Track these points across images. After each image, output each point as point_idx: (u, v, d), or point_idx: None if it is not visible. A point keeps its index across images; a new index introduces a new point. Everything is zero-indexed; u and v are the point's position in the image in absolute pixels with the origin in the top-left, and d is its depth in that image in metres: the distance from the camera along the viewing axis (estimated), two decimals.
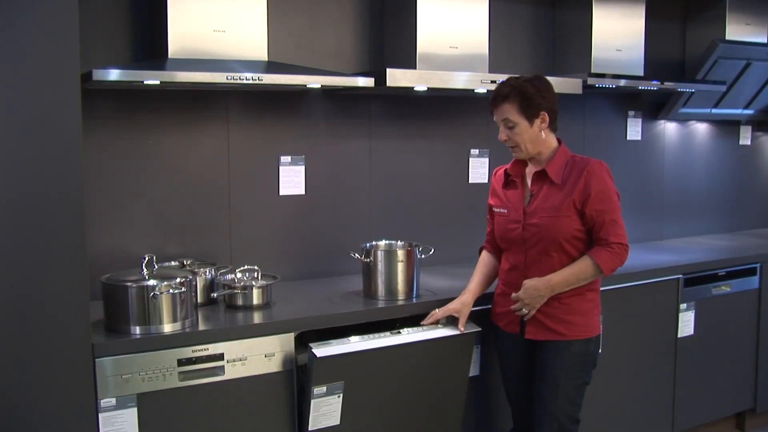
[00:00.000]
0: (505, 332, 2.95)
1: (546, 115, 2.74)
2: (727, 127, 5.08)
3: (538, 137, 2.76)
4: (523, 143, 2.75)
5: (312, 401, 2.68)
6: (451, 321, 2.95)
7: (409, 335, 2.85)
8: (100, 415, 2.43)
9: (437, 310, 2.95)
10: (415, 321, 2.98)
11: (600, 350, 2.92)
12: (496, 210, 2.95)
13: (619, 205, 2.78)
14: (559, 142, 2.84)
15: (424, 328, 2.92)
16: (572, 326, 2.79)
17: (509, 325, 2.91)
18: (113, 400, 2.45)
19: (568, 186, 2.74)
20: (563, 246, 2.74)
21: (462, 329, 2.90)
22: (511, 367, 3.01)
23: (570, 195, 2.72)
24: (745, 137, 5.19)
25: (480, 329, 2.98)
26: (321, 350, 2.66)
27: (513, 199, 2.88)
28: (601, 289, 2.94)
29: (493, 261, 3.04)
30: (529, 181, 2.85)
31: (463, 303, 2.94)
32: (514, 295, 2.80)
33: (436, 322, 2.94)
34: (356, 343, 2.76)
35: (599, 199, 2.70)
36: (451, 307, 2.93)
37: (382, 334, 2.82)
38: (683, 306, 3.89)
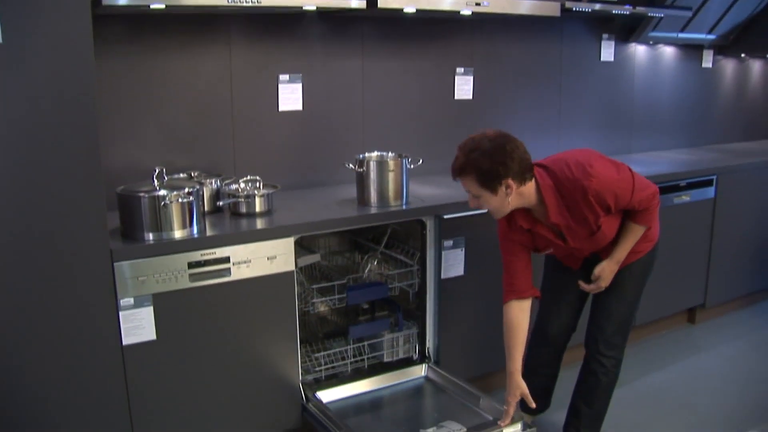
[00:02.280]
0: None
1: (510, 181, 2.39)
2: (692, 50, 5.00)
3: (506, 203, 2.45)
4: (493, 210, 2.51)
5: None
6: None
7: None
8: (120, 313, 2.44)
9: (508, 407, 2.67)
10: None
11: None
12: (540, 251, 2.75)
13: (629, 175, 2.54)
14: (536, 179, 2.49)
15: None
16: (640, 246, 2.72)
17: (570, 261, 2.82)
18: (131, 300, 2.46)
19: (587, 214, 2.50)
20: (612, 236, 2.64)
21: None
22: (566, 289, 2.89)
23: (596, 215, 2.50)
24: (708, 60, 5.12)
25: None
26: None
27: (548, 242, 2.65)
28: None
29: (524, 311, 2.68)
30: (546, 223, 2.59)
31: (522, 391, 2.65)
32: (590, 287, 2.74)
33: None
34: None
35: (618, 200, 2.50)
36: (513, 401, 2.67)
37: None
38: None
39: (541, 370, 3.04)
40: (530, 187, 2.48)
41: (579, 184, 2.45)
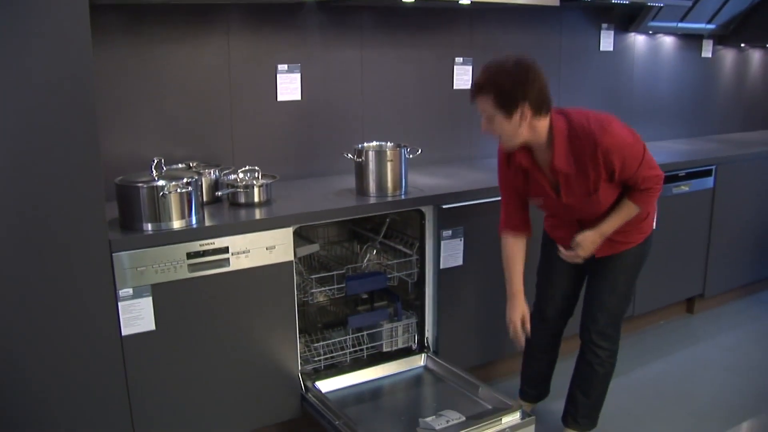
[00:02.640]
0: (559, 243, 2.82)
1: (527, 107, 2.35)
2: (691, 40, 4.99)
3: (519, 131, 2.41)
4: (504, 135, 2.44)
5: None
6: None
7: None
8: (120, 304, 2.45)
9: (514, 328, 2.75)
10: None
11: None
12: (531, 200, 2.70)
13: (642, 148, 2.48)
14: (550, 119, 2.45)
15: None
16: (635, 233, 2.71)
17: (562, 240, 2.78)
18: (130, 290, 2.46)
19: (590, 170, 2.46)
20: (607, 207, 2.59)
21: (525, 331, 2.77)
22: (558, 271, 2.88)
23: (597, 177, 2.46)
24: (707, 50, 5.11)
25: None
26: None
27: (540, 191, 2.62)
28: None
29: (519, 245, 2.75)
30: (546, 169, 2.56)
31: (521, 310, 2.75)
32: (568, 254, 2.67)
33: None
34: None
35: (624, 167, 2.45)
36: (516, 319, 2.75)
37: None
38: None
39: (538, 354, 3.06)
40: (544, 124, 2.44)
41: (592, 137, 2.41)
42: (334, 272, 3.06)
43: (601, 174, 2.46)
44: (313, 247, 3.08)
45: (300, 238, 3.04)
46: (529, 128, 2.42)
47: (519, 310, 2.75)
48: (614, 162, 2.43)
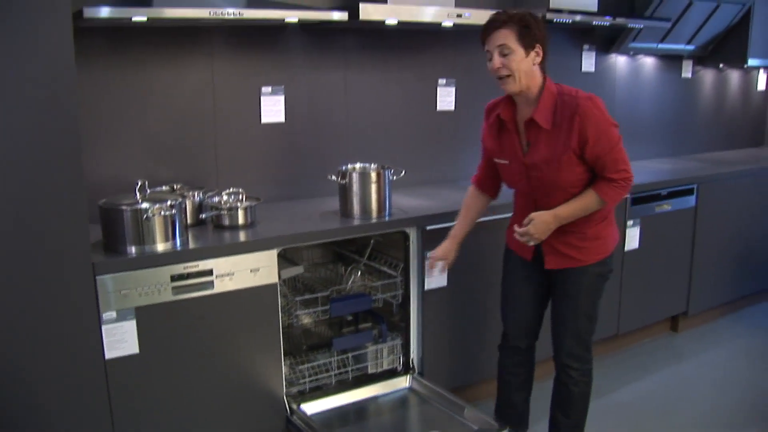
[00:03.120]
0: (517, 255, 2.83)
1: (540, 49, 2.49)
2: (671, 61, 5.06)
3: (531, 70, 2.49)
4: (518, 72, 2.48)
5: None
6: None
7: None
8: (103, 327, 2.44)
9: (431, 257, 2.87)
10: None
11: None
12: (497, 161, 2.72)
13: (618, 136, 2.52)
14: (545, 78, 2.57)
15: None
16: (590, 251, 2.66)
17: (521, 250, 2.77)
18: (114, 314, 2.45)
19: (563, 132, 2.49)
20: (571, 189, 2.56)
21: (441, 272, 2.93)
22: (517, 289, 2.87)
23: (567, 143, 2.48)
24: (687, 71, 5.19)
25: None
26: None
27: (510, 148, 2.65)
28: None
29: (481, 199, 2.88)
30: (521, 126, 2.62)
31: (446, 250, 2.85)
32: (519, 230, 2.60)
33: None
34: None
35: (598, 142, 2.46)
36: (437, 255, 2.85)
37: None
38: (630, 222, 3.94)
39: (506, 377, 3.00)
40: (540, 75, 2.55)
41: (576, 101, 2.49)
42: (319, 294, 3.07)
43: (572, 141, 2.48)
44: (298, 269, 3.08)
45: (284, 260, 3.04)
46: (534, 73, 2.52)
47: (443, 249, 2.86)
48: (588, 131, 2.45)
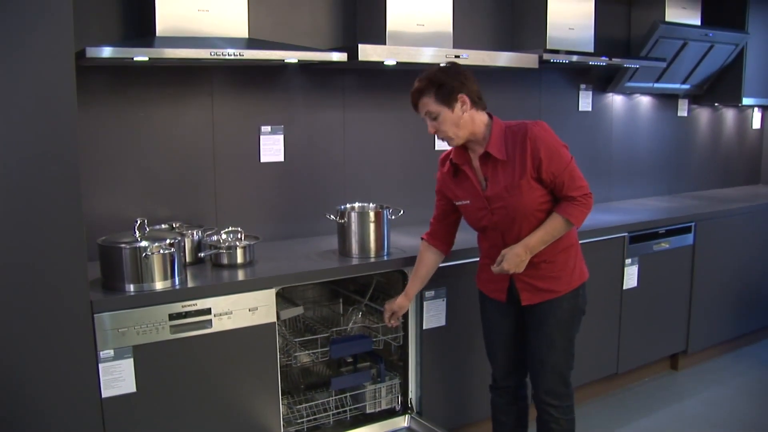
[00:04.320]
0: (490, 299, 2.84)
1: (465, 97, 2.53)
2: (667, 100, 5.13)
3: (462, 120, 2.55)
4: (451, 130, 2.56)
5: None
6: None
7: None
8: (100, 365, 2.43)
9: (385, 310, 2.99)
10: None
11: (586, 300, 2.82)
12: (458, 203, 2.75)
13: (569, 155, 2.59)
14: (490, 116, 2.64)
15: None
16: (562, 280, 2.68)
17: (494, 293, 2.79)
18: (111, 352, 2.44)
19: (518, 159, 2.55)
20: (535, 215, 2.58)
21: (390, 324, 3.01)
22: (496, 330, 2.87)
23: (523, 167, 2.54)
24: (683, 109, 5.25)
25: None
26: None
27: (468, 188, 2.69)
28: None
29: (432, 255, 2.90)
30: (476, 166, 2.66)
31: (398, 305, 2.95)
32: (495, 268, 2.62)
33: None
34: None
35: (551, 161, 2.52)
36: (390, 307, 2.97)
37: None
38: (628, 261, 3.94)
39: (500, 417, 2.98)
40: (483, 118, 2.61)
41: (524, 128, 2.56)
42: (318, 336, 3.06)
43: (527, 164, 2.53)
44: (297, 310, 3.07)
45: (283, 299, 3.04)
46: (470, 120, 2.57)
47: (397, 303, 2.95)
48: (541, 152, 2.52)
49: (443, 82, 2.52)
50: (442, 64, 2.63)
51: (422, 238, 2.93)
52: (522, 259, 2.59)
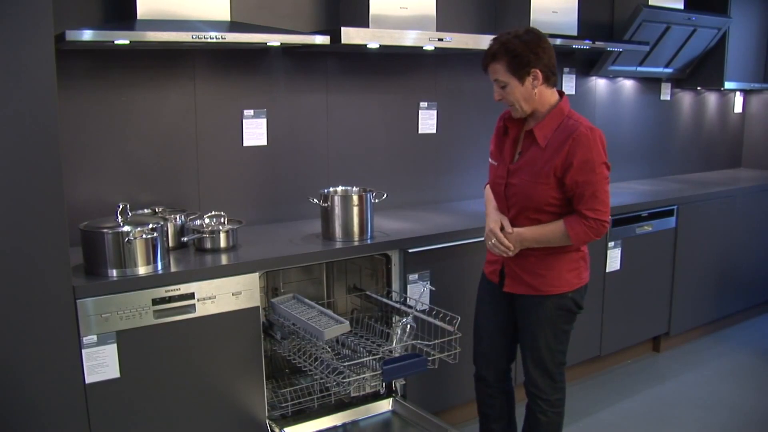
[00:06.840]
0: (487, 279, 2.83)
1: (538, 72, 2.45)
2: (650, 83, 5.15)
3: (532, 95, 2.49)
4: (517, 102, 2.50)
5: None
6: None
7: None
8: (83, 351, 2.43)
9: (489, 232, 2.66)
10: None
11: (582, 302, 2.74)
12: (491, 161, 2.73)
13: (606, 177, 2.50)
14: (561, 96, 2.57)
15: None
16: (545, 281, 2.63)
17: (491, 274, 2.79)
18: (94, 338, 2.44)
19: (552, 151, 2.48)
20: (540, 210, 2.55)
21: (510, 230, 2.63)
22: (485, 313, 2.86)
23: (552, 161, 2.47)
24: (666, 93, 5.28)
25: None
26: None
27: (504, 151, 2.65)
28: None
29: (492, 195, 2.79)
30: (522, 135, 2.62)
31: (497, 220, 2.66)
32: (489, 235, 2.62)
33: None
34: None
35: (581, 170, 2.44)
36: (492, 226, 2.65)
37: None
38: (611, 244, 3.98)
39: (484, 409, 2.98)
40: (551, 94, 2.54)
41: (576, 126, 2.49)
42: (369, 357, 2.83)
43: (557, 160, 2.47)
44: (344, 327, 2.83)
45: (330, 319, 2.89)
46: (539, 96, 2.51)
47: (493, 219, 2.67)
48: (576, 157, 2.44)
49: (519, 53, 2.44)
50: (521, 30, 2.49)
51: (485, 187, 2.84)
52: (508, 246, 2.58)
